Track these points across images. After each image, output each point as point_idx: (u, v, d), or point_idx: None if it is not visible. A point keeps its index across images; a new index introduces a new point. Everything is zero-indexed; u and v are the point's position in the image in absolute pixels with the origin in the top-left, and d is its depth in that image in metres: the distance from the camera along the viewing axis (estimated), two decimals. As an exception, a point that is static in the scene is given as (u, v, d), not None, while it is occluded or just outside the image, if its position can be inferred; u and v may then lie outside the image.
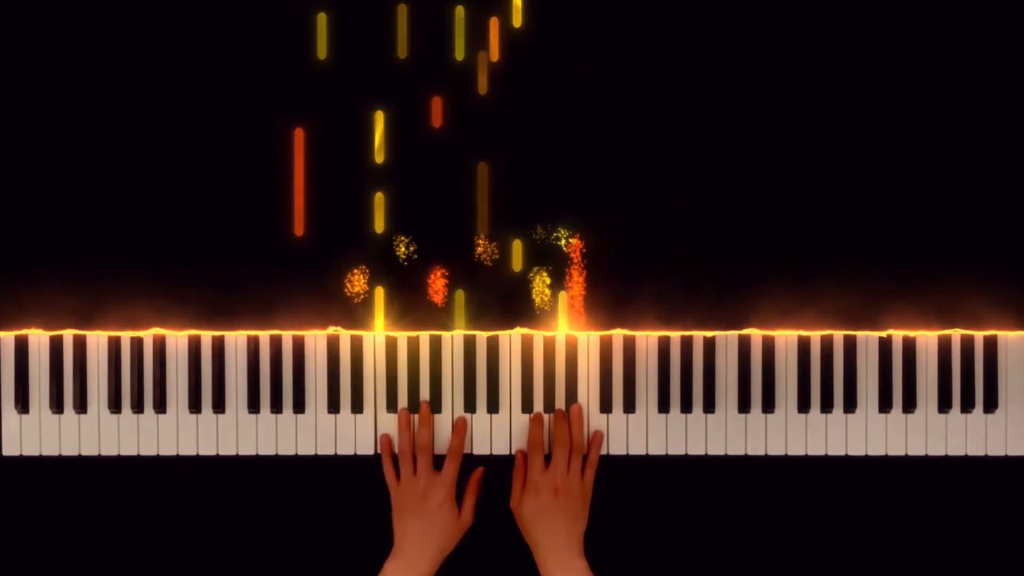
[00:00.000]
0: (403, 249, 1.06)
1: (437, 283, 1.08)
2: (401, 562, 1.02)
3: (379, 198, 1.08)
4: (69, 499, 1.10)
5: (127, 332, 1.08)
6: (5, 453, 1.09)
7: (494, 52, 1.07)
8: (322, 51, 1.07)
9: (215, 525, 1.11)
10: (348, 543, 1.10)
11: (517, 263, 1.07)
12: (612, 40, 1.07)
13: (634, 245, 1.08)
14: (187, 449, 1.09)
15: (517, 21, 1.07)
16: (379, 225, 1.08)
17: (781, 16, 1.08)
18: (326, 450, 1.10)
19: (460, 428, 1.08)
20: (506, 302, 1.08)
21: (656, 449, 1.10)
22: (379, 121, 1.07)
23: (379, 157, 1.07)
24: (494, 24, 1.07)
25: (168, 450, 1.09)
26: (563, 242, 1.08)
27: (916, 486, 1.10)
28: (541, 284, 1.08)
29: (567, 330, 1.09)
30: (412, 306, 1.08)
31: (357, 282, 1.08)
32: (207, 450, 1.09)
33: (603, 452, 1.09)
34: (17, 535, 1.10)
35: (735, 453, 1.09)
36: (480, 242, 1.07)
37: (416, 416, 1.09)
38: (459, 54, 1.06)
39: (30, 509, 1.10)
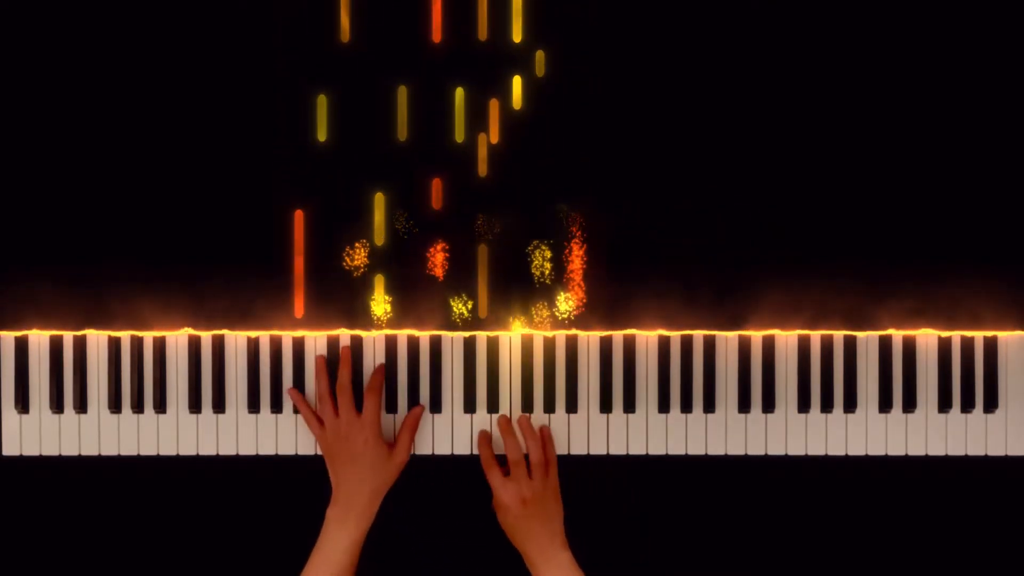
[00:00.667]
0: (402, 222, 1.06)
1: (437, 256, 1.08)
2: (340, 507, 1.02)
3: (379, 279, 1.08)
4: (69, 499, 1.10)
5: (127, 332, 1.08)
6: (5, 453, 1.09)
7: (494, 134, 1.07)
8: (322, 133, 1.07)
9: (215, 525, 1.11)
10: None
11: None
12: (614, 108, 1.07)
13: (634, 245, 1.08)
14: (187, 449, 1.09)
15: (517, 103, 1.07)
16: (379, 308, 1.08)
17: (781, 17, 1.08)
18: (326, 450, 1.10)
19: (379, 370, 1.08)
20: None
21: (656, 449, 1.10)
22: (379, 203, 1.07)
23: (379, 239, 1.08)
24: (494, 106, 1.07)
25: (168, 450, 1.09)
26: (563, 217, 1.08)
27: (916, 486, 1.10)
28: (541, 258, 1.08)
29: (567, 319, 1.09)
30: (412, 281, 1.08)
31: (357, 256, 1.08)
32: (207, 450, 1.09)
33: (604, 452, 1.09)
34: (17, 535, 1.10)
35: (735, 453, 1.09)
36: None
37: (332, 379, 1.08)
38: (459, 136, 1.06)
39: (30, 509, 1.10)
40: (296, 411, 1.09)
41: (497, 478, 1.04)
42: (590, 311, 1.08)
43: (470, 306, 1.08)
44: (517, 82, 1.07)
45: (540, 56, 1.07)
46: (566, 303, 1.08)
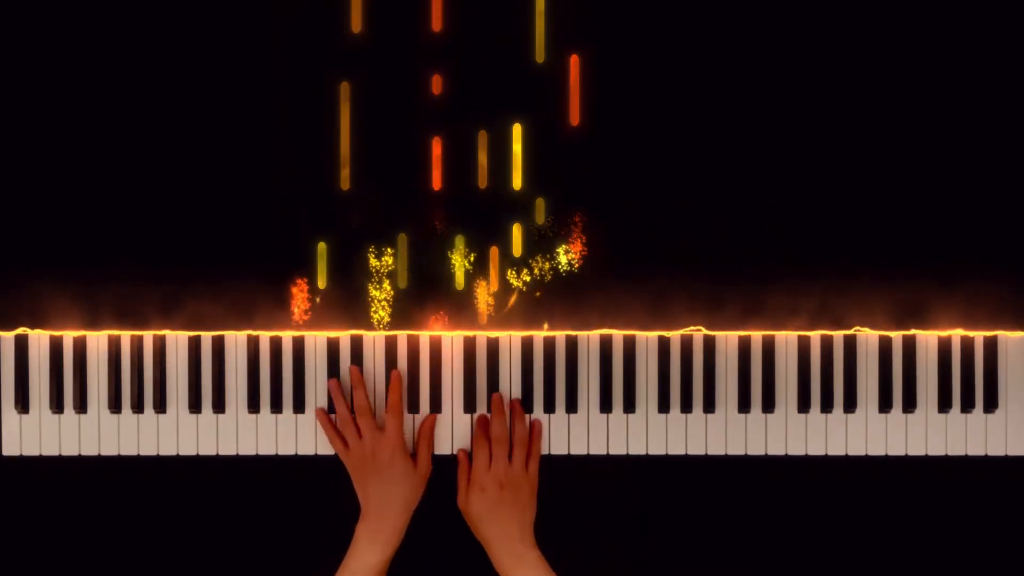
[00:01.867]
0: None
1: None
2: (370, 523, 1.03)
3: None
4: (69, 499, 1.10)
5: (127, 332, 1.08)
6: (5, 453, 1.09)
7: (494, 282, 1.08)
8: (322, 280, 1.08)
9: (215, 525, 1.11)
10: (349, 542, 1.10)
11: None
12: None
13: (634, 245, 1.08)
14: (187, 449, 1.09)
15: (517, 250, 1.07)
16: None
17: (781, 17, 1.08)
18: (327, 450, 1.10)
19: (395, 383, 1.08)
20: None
21: (656, 449, 1.10)
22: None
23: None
24: (494, 253, 1.07)
25: (168, 450, 1.09)
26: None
27: (916, 486, 1.10)
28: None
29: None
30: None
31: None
32: (207, 450, 1.09)
33: (604, 452, 1.09)
34: (17, 535, 1.10)
35: (735, 453, 1.09)
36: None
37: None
38: (459, 284, 1.07)
39: (30, 509, 1.10)
40: (296, 411, 1.09)
41: (483, 460, 1.05)
42: (589, 242, 1.08)
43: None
44: (517, 229, 1.07)
45: (540, 204, 1.07)
46: (564, 255, 1.08)
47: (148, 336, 1.09)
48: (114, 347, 1.09)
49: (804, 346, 1.09)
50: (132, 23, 1.08)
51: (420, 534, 1.09)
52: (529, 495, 1.06)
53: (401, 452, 1.05)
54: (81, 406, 1.09)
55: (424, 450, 1.07)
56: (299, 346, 1.09)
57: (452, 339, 1.10)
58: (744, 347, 1.09)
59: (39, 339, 1.09)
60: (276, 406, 1.09)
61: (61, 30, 1.08)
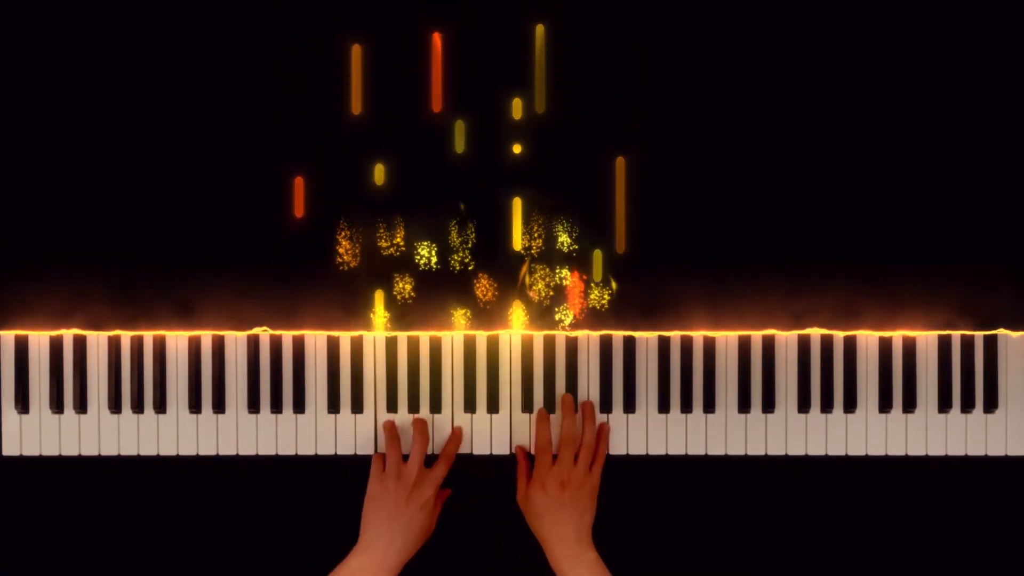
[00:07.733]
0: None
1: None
2: (368, 559, 1.01)
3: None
4: (69, 499, 1.10)
5: (127, 332, 1.08)
6: (5, 453, 1.09)
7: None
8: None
9: (215, 525, 1.11)
10: (349, 542, 1.10)
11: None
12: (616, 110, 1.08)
13: (635, 245, 1.08)
14: (187, 449, 1.09)
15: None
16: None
17: (782, 19, 1.08)
18: (326, 450, 1.10)
19: (457, 435, 1.08)
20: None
21: (656, 449, 1.10)
22: None
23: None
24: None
25: (168, 450, 1.09)
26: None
27: (916, 486, 1.10)
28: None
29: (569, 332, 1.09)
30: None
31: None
32: (207, 450, 1.09)
33: (603, 452, 1.09)
34: (17, 535, 1.10)
35: (735, 453, 1.09)
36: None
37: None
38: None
39: (30, 509, 1.10)
40: (296, 411, 1.09)
41: (546, 459, 1.05)
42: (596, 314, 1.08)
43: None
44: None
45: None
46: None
47: (148, 336, 1.09)
48: (114, 347, 1.09)
49: (804, 346, 1.09)
50: (129, 34, 1.08)
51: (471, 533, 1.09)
52: (589, 497, 1.05)
53: (433, 501, 1.05)
54: (81, 406, 1.09)
55: (437, 510, 1.07)
56: (299, 346, 1.09)
57: (452, 338, 1.10)
58: (744, 347, 1.09)
59: (39, 339, 1.09)
60: (276, 406, 1.09)
61: (63, 21, 1.08)
